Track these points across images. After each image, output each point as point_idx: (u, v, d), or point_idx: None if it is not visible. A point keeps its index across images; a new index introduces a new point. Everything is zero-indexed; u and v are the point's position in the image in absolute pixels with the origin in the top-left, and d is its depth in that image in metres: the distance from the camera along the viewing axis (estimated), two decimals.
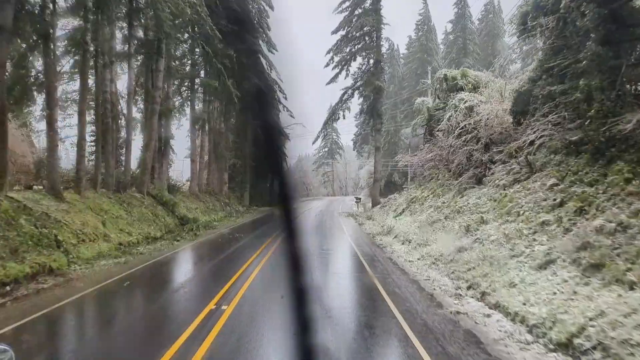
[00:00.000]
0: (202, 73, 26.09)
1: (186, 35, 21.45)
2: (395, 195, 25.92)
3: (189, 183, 26.64)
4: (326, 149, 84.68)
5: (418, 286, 8.07)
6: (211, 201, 25.10)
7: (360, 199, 52.54)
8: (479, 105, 14.46)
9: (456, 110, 14.89)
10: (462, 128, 13.81)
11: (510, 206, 9.20)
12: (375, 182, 28.91)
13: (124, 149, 16.22)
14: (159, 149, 18.90)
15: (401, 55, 64.34)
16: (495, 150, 12.57)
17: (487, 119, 12.78)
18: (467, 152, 13.25)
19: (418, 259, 10.97)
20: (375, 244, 14.46)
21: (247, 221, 23.70)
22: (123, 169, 16.42)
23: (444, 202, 13.82)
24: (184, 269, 11.07)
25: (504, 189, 10.64)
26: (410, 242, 13.19)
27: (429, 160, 18.77)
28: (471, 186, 12.67)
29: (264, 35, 32.26)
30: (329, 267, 10.76)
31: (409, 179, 54.00)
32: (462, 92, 15.78)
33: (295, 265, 1.04)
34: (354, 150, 79.00)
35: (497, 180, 11.40)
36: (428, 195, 16.81)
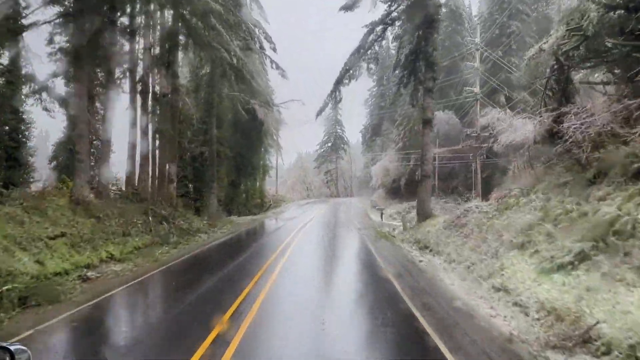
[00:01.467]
0: None
1: None
2: (477, 203, 13.81)
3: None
4: (329, 144, 75.26)
5: None
6: (125, 215, 13.06)
7: (374, 202, 41.72)
8: None
9: None
10: None
11: None
12: (425, 180, 16.69)
13: None
14: None
15: None
16: None
17: None
18: None
19: None
20: None
21: (186, 257, 11.68)
22: None
23: None
24: None
25: None
26: None
27: None
28: None
29: None
30: None
31: (438, 174, 42.32)
32: None
33: None
34: (362, 143, 67.49)
35: None
36: None
